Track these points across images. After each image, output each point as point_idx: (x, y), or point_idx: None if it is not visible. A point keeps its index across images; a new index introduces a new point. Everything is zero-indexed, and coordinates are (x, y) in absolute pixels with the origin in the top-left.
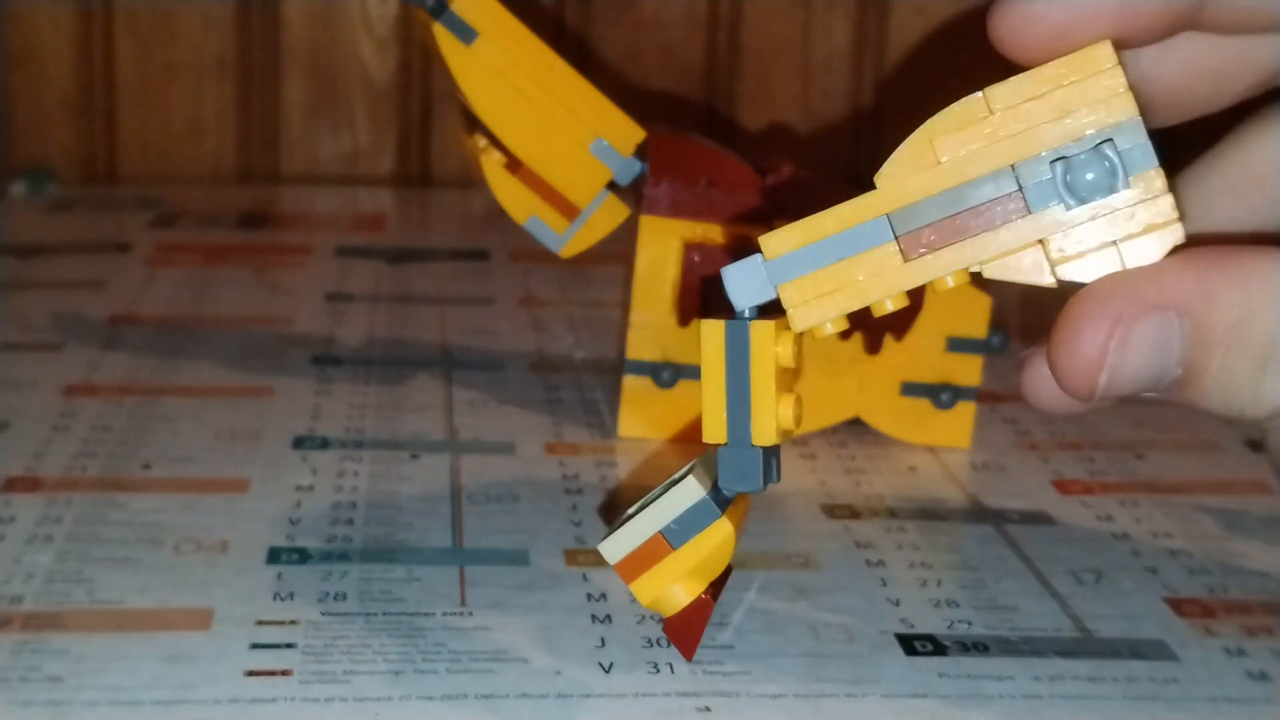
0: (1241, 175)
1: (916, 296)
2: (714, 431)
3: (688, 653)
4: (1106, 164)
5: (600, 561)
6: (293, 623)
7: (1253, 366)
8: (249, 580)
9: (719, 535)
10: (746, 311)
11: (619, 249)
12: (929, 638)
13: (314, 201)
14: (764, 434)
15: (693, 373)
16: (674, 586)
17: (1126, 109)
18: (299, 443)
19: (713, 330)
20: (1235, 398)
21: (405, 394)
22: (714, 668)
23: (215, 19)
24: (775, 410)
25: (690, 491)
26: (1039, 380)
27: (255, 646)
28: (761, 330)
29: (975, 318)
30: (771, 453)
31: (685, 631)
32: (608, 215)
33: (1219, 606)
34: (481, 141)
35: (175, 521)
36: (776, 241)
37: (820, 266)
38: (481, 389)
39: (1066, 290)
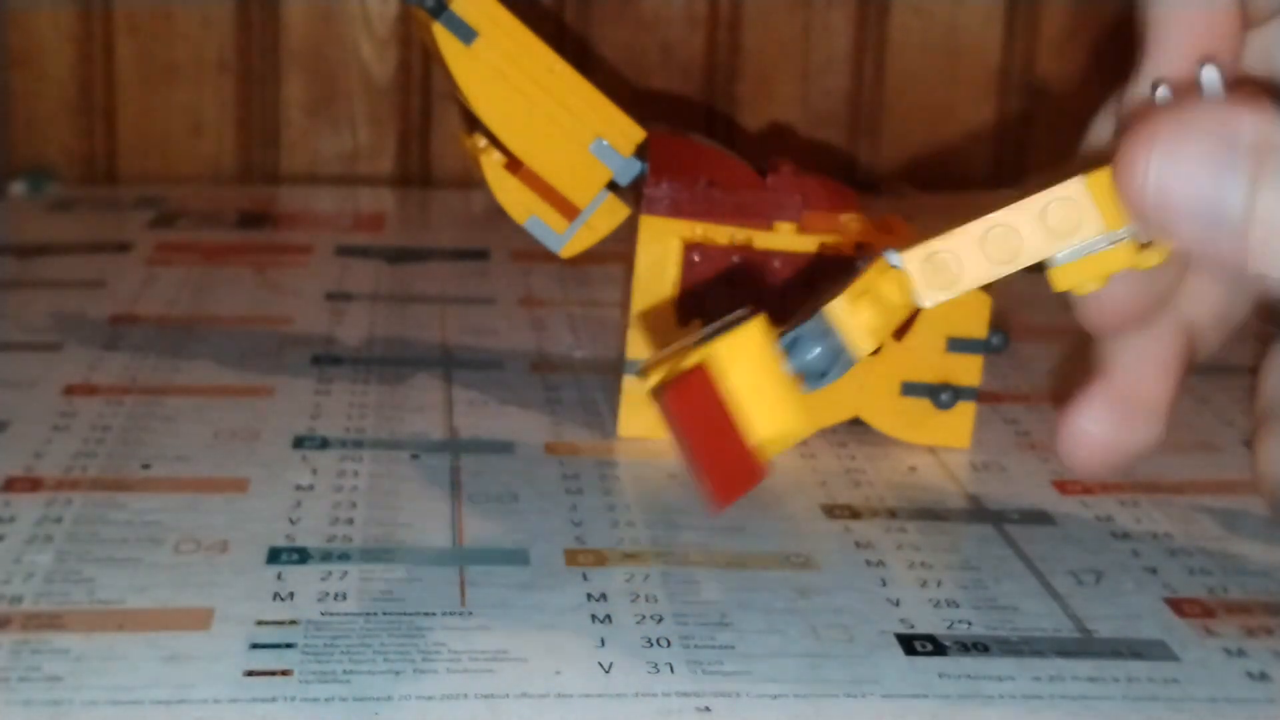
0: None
1: None
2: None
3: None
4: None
5: (600, 561)
6: (292, 622)
7: None
8: (249, 580)
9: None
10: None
11: (619, 249)
12: (929, 638)
13: (314, 201)
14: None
15: None
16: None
17: None
18: (299, 442)
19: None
20: None
21: (405, 394)
22: (714, 667)
23: (215, 19)
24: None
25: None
26: (1078, 436)
27: (255, 646)
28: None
29: (975, 318)
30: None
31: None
32: (608, 215)
33: (1219, 607)
34: (481, 141)
35: (175, 521)
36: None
37: None
38: (481, 389)
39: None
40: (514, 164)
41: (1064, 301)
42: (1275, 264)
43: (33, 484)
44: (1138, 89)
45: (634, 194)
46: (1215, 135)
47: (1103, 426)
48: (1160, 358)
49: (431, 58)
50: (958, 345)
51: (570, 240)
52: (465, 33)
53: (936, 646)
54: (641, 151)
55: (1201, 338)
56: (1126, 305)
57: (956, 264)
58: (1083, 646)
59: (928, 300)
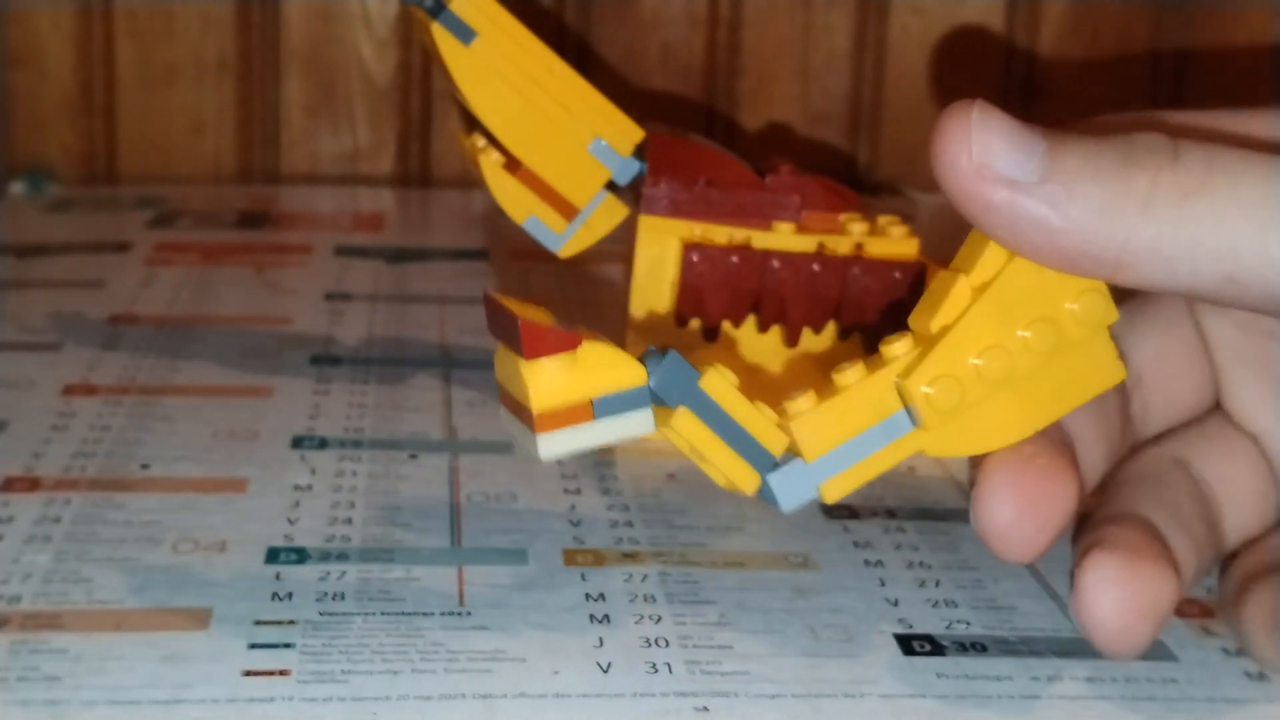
0: None
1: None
2: (748, 482)
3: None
4: None
5: (598, 561)
6: (291, 622)
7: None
8: (247, 580)
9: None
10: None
11: (618, 249)
12: (927, 638)
13: (314, 201)
14: (832, 493)
15: None
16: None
17: None
18: (297, 442)
19: (684, 418)
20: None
21: (404, 393)
22: (712, 667)
23: (215, 19)
24: (769, 422)
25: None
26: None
27: (253, 646)
28: (715, 380)
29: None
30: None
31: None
32: (606, 215)
33: (1218, 607)
34: (480, 141)
35: (173, 521)
36: (813, 444)
37: (856, 462)
38: (481, 389)
39: None
40: (513, 164)
41: None
42: (1072, 228)
43: (31, 484)
44: None
45: (633, 194)
46: (1010, 117)
47: (1007, 500)
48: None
49: (431, 58)
50: None
51: (569, 240)
52: (464, 33)
53: (935, 646)
54: (640, 151)
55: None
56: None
57: None
58: (1081, 646)
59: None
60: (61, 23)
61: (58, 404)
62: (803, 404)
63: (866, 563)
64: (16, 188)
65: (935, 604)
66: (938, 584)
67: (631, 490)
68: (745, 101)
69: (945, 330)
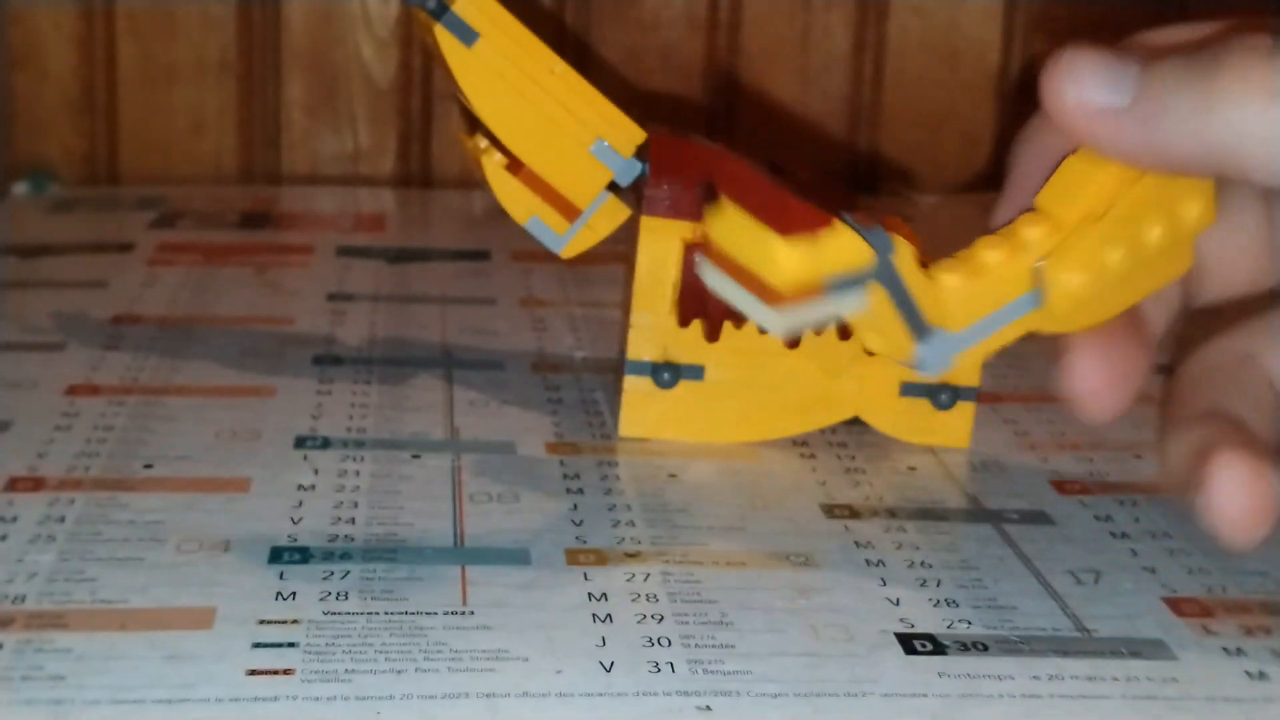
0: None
1: None
2: (905, 348)
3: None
4: None
5: (600, 561)
6: (294, 622)
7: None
8: (251, 579)
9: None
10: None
11: (619, 249)
12: (928, 637)
13: (315, 201)
14: (969, 361)
15: (693, 373)
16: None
17: None
18: (300, 442)
19: (876, 289)
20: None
21: (406, 394)
22: (714, 667)
23: (216, 19)
24: (932, 294)
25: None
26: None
27: (257, 646)
28: (904, 253)
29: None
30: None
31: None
32: (608, 216)
33: (1217, 606)
34: (483, 142)
35: (177, 521)
36: (959, 316)
37: (985, 337)
38: (482, 389)
39: None
40: (515, 165)
41: None
42: (1168, 133)
43: (35, 484)
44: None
45: (635, 195)
46: (1104, 51)
47: (1099, 368)
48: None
49: (433, 58)
50: None
51: (571, 241)
52: (466, 34)
53: (936, 646)
54: (642, 152)
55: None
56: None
57: None
58: (1081, 646)
59: None
60: (63, 23)
61: (61, 404)
62: (954, 280)
63: (868, 562)
64: (18, 188)
65: (936, 603)
66: (939, 583)
67: (633, 490)
68: (745, 102)
69: (1086, 220)
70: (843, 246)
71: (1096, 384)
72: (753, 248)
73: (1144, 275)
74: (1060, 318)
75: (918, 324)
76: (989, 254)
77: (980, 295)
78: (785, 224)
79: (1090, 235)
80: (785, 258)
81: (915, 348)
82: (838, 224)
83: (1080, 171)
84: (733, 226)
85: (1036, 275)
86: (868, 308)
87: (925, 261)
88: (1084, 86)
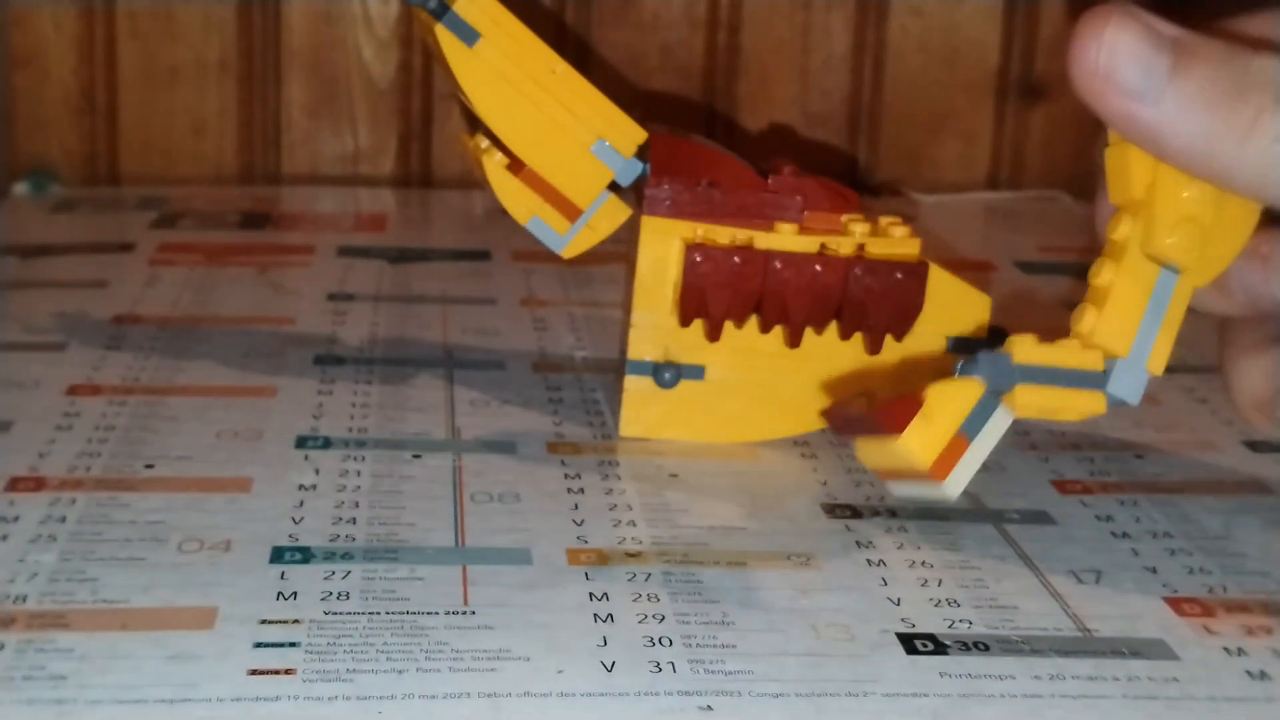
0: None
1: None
2: (1098, 403)
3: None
4: None
5: (602, 561)
6: (296, 622)
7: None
8: (252, 579)
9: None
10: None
11: (620, 249)
12: (929, 637)
13: (316, 202)
14: (1158, 365)
15: (694, 372)
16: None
17: None
18: (301, 442)
19: (1023, 391)
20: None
21: (407, 393)
22: (715, 666)
23: (217, 20)
24: (1078, 349)
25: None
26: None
27: (258, 645)
28: (1024, 350)
29: (975, 318)
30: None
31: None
32: (609, 216)
33: (1218, 606)
34: (484, 142)
35: (178, 521)
36: (1120, 343)
37: (1158, 331)
38: (483, 389)
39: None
40: (516, 165)
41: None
42: (1176, 149)
43: (36, 483)
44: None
45: (635, 195)
46: (1145, 33)
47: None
48: None
49: (433, 58)
50: (958, 345)
51: (572, 241)
52: (468, 34)
53: (937, 645)
54: (643, 152)
55: None
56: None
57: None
58: (1083, 645)
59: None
60: (63, 23)
61: (62, 404)
62: (1088, 321)
63: (869, 562)
64: (19, 188)
65: (937, 603)
66: (940, 583)
67: (634, 490)
68: (745, 103)
69: (1152, 187)
70: (950, 398)
71: (1263, 395)
72: (891, 457)
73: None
74: (1199, 269)
75: (1088, 379)
76: (1101, 279)
77: (1122, 310)
78: (892, 423)
79: (1159, 195)
80: (913, 446)
81: (1103, 396)
82: (931, 389)
83: (1118, 156)
84: (870, 452)
85: (1153, 255)
86: (1026, 406)
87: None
88: (1114, 60)
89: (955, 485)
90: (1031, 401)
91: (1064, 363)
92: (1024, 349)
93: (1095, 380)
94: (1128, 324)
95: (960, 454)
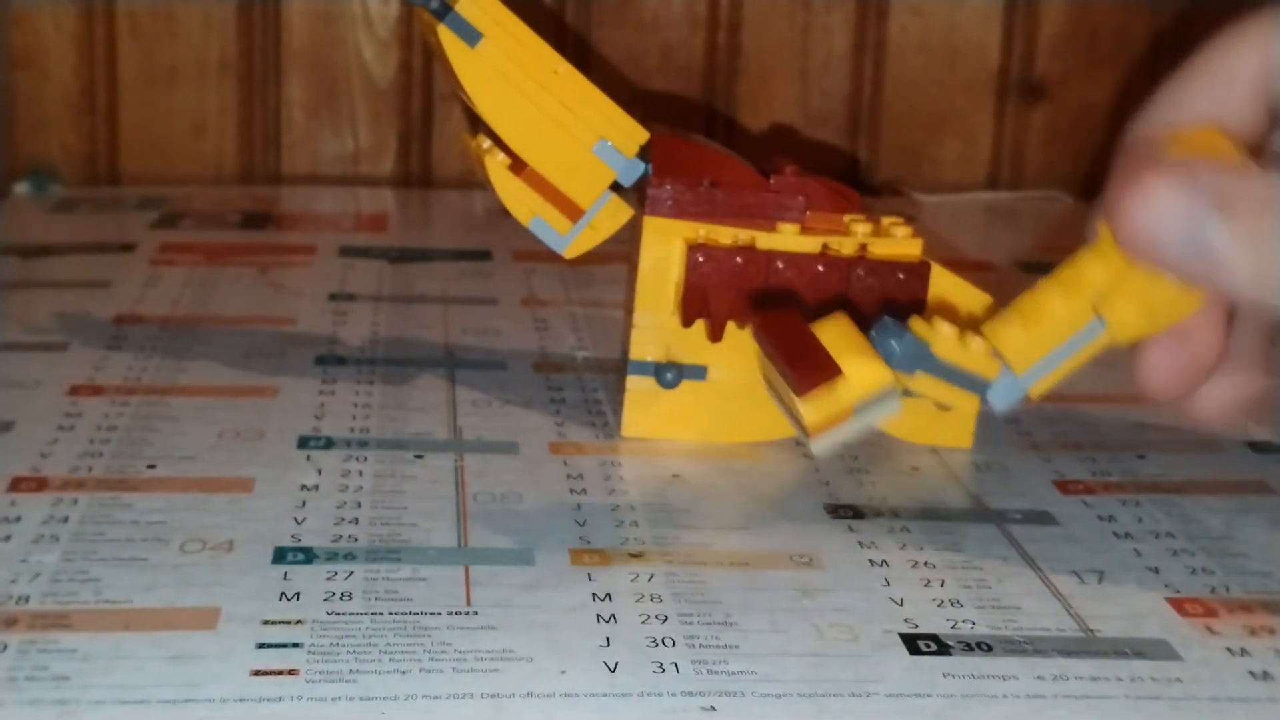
0: (1223, 79)
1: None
2: (1022, 361)
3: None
4: None
5: (604, 561)
6: (298, 622)
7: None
8: (255, 580)
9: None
10: None
11: (622, 250)
12: (932, 637)
13: (316, 202)
14: (1040, 389)
15: (695, 373)
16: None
17: None
18: (303, 442)
19: (923, 378)
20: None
21: (409, 394)
22: (718, 667)
23: (217, 19)
24: (984, 355)
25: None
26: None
27: (261, 646)
28: (941, 343)
29: (977, 319)
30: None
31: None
32: (611, 216)
33: (1221, 606)
34: (485, 142)
35: (181, 521)
36: (1022, 360)
37: (1056, 366)
38: (485, 389)
39: None
40: (518, 165)
41: None
42: (1241, 284)
43: (38, 484)
44: (1147, 122)
45: (637, 195)
46: (1183, 189)
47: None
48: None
49: (435, 58)
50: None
51: (573, 241)
52: (470, 34)
53: (940, 646)
54: (645, 153)
55: None
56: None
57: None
58: (1085, 646)
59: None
60: (64, 23)
61: (64, 404)
62: (1012, 331)
63: (871, 563)
64: (20, 188)
65: (940, 604)
66: (942, 584)
67: (637, 490)
68: (745, 103)
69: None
70: (860, 379)
71: (1167, 377)
72: (784, 389)
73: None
74: (1123, 338)
75: (975, 383)
76: (1049, 298)
77: (1042, 337)
78: (802, 384)
79: (1135, 271)
80: (806, 409)
81: (978, 400)
82: (851, 363)
83: None
84: (772, 377)
85: (1100, 309)
86: (917, 390)
87: (967, 318)
88: (1161, 225)
89: (822, 446)
90: (923, 390)
91: (967, 365)
92: (943, 345)
93: (980, 386)
94: (1039, 349)
95: (841, 423)
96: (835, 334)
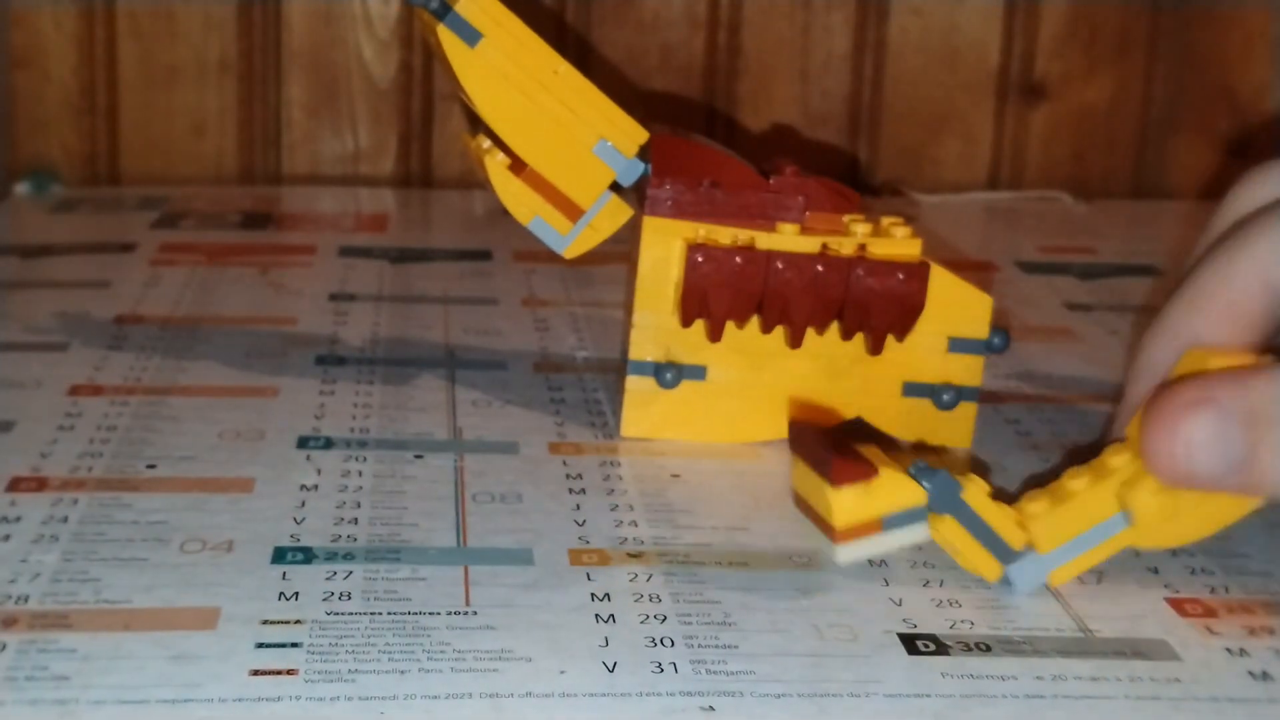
0: (1226, 307)
1: (920, 299)
2: (992, 571)
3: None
4: None
5: (603, 561)
6: (298, 622)
7: None
8: (254, 580)
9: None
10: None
11: (622, 250)
12: (931, 637)
13: (316, 202)
14: (1059, 578)
15: (694, 373)
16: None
17: None
18: (303, 442)
19: (946, 523)
20: None
21: (409, 394)
22: (717, 667)
23: (217, 19)
24: (1012, 522)
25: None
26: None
27: (261, 646)
28: (975, 493)
29: (976, 318)
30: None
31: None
32: (611, 216)
33: (1220, 606)
34: (485, 142)
35: (180, 521)
36: (1047, 540)
37: (1078, 555)
38: (485, 389)
39: None
40: (518, 165)
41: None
42: (1266, 494)
43: (38, 484)
44: (1162, 340)
45: (637, 195)
46: (1219, 416)
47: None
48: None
49: (435, 58)
50: (959, 345)
51: (573, 241)
52: (470, 34)
53: (939, 646)
54: (644, 153)
55: None
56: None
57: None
58: (1085, 646)
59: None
60: (64, 23)
61: (64, 404)
62: (1038, 507)
63: (870, 563)
64: (20, 188)
65: (939, 604)
66: (941, 584)
67: (636, 490)
68: (745, 102)
69: None
70: (894, 490)
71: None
72: (816, 493)
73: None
74: (1149, 534)
75: (1001, 549)
76: (1074, 482)
77: (1067, 519)
78: (840, 478)
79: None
80: (838, 504)
81: (1005, 569)
82: (886, 471)
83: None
84: (803, 475)
85: (1122, 498)
86: (940, 534)
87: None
88: (1195, 455)
89: (846, 556)
90: (949, 536)
91: (994, 525)
92: (975, 495)
93: (1005, 553)
94: (1064, 533)
95: (868, 535)
96: (874, 453)
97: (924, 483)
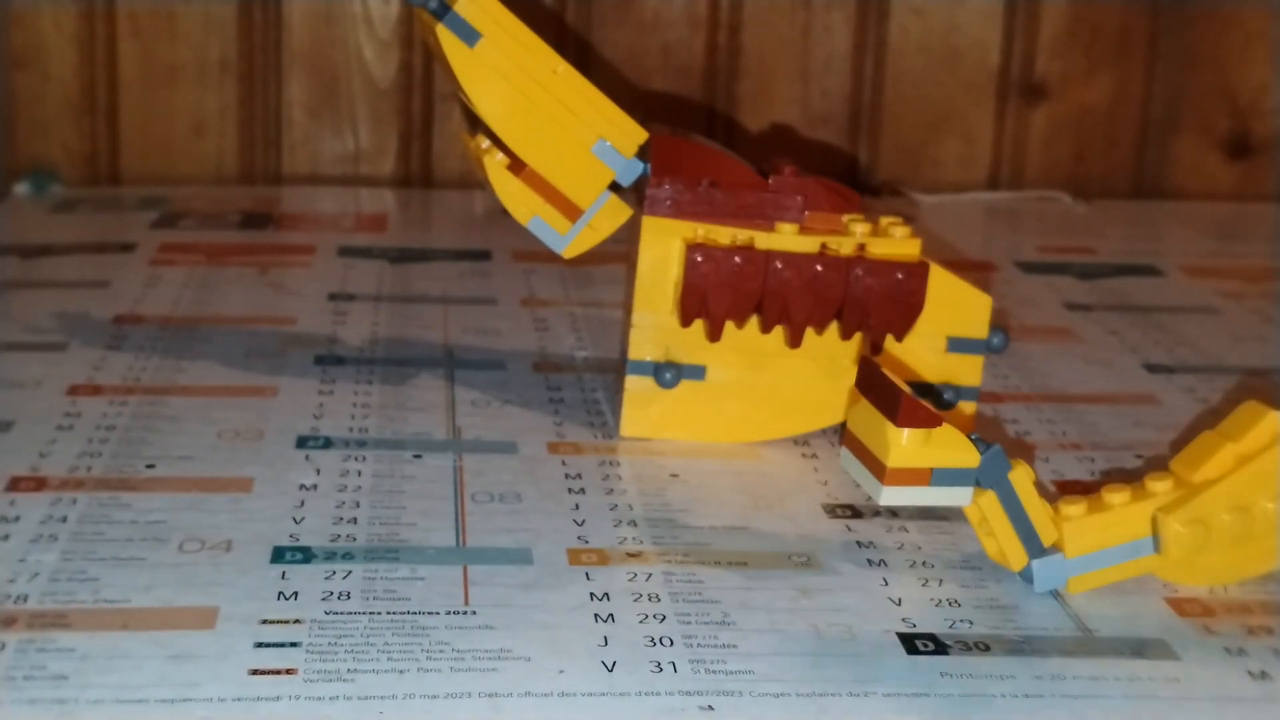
0: None
1: (919, 298)
2: (1019, 559)
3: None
4: None
5: (602, 561)
6: (297, 621)
7: None
8: (253, 579)
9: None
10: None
11: (621, 249)
12: (930, 637)
13: (316, 202)
14: (1076, 587)
15: (694, 373)
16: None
17: None
18: (302, 442)
19: (988, 498)
20: None
21: (408, 393)
22: (717, 666)
23: (218, 20)
24: (1048, 516)
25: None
26: None
27: (260, 645)
28: (1022, 476)
29: (976, 318)
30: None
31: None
32: (610, 216)
33: (1219, 606)
34: (484, 142)
35: (179, 521)
36: (1076, 545)
37: (1101, 567)
38: (484, 389)
39: None
40: (517, 165)
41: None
42: None
43: (37, 483)
44: None
45: (636, 195)
46: None
47: None
48: None
49: (434, 58)
50: (958, 345)
51: (573, 241)
52: (469, 34)
53: (938, 646)
54: (644, 153)
55: None
56: None
57: None
58: (1084, 646)
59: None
60: (64, 23)
61: (63, 404)
62: (1075, 510)
63: (870, 562)
64: (21, 188)
65: (938, 603)
66: (940, 583)
67: (635, 490)
68: (746, 102)
69: (1207, 484)
70: (952, 444)
71: None
72: (875, 433)
73: (1260, 545)
74: (1175, 566)
75: (1033, 541)
76: (1114, 495)
77: (1100, 528)
78: (907, 418)
79: (1206, 494)
80: (896, 444)
81: (1030, 562)
82: (948, 426)
83: (1209, 443)
84: (865, 415)
85: (1155, 522)
86: (979, 508)
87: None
88: None
89: (890, 499)
90: (987, 513)
91: (1031, 515)
92: (1022, 479)
93: (1035, 545)
94: (1093, 542)
95: (914, 483)
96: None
97: (980, 447)
